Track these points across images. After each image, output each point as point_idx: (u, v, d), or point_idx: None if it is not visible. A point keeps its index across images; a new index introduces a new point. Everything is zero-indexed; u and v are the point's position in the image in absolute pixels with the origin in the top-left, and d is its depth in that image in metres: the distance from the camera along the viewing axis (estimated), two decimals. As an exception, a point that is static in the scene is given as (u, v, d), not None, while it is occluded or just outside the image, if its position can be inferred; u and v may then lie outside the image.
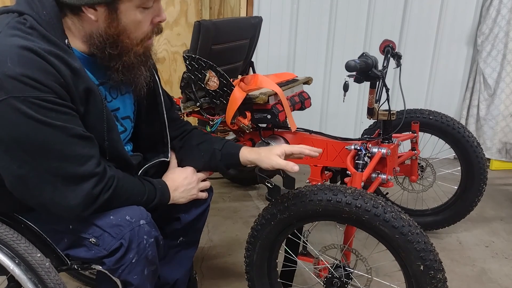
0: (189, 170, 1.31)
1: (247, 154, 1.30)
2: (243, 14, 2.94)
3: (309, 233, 1.51)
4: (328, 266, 1.42)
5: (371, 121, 2.14)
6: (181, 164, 1.36)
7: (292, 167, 1.20)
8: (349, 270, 1.40)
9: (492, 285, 1.91)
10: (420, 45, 3.18)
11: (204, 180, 1.36)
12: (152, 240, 1.08)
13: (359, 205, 1.25)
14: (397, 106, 2.29)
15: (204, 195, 1.34)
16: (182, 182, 1.27)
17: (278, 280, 1.53)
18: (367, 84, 1.85)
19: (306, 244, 1.53)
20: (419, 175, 2.17)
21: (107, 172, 1.05)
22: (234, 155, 1.31)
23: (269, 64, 3.17)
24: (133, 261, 1.05)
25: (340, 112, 3.31)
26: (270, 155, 1.25)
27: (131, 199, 1.11)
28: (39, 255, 1.01)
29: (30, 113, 0.93)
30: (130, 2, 1.02)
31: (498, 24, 3.01)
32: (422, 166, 2.21)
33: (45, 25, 1.00)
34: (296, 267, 1.56)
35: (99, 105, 1.06)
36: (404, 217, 1.25)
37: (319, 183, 1.49)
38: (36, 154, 0.96)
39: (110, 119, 1.10)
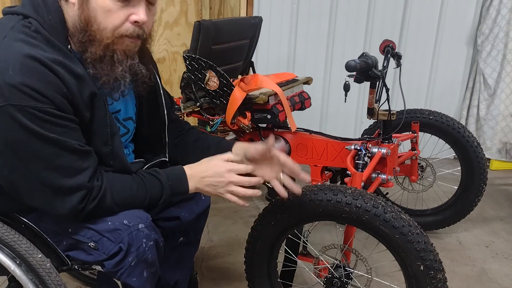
0: (224, 168, 1.15)
1: (239, 144, 1.26)
2: (243, 14, 2.94)
3: (309, 233, 1.51)
4: (328, 266, 1.42)
5: (371, 121, 2.14)
6: (176, 161, 1.32)
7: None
8: (349, 270, 1.40)
9: (492, 285, 1.91)
10: (420, 45, 3.18)
11: (254, 188, 1.17)
12: (152, 243, 1.08)
13: (359, 205, 1.25)
14: (397, 106, 2.29)
15: (239, 202, 1.16)
16: (211, 175, 1.14)
17: (278, 280, 1.53)
18: (367, 84, 1.85)
19: (306, 244, 1.53)
20: (419, 175, 2.17)
21: (97, 185, 1.03)
22: (228, 150, 1.26)
23: (269, 64, 3.17)
24: (132, 264, 1.05)
25: (340, 112, 3.31)
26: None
27: (129, 206, 1.09)
28: (40, 255, 1.01)
29: (25, 122, 0.93)
30: None
31: (498, 24, 3.01)
32: (422, 166, 2.21)
33: (50, 30, 1.00)
34: (296, 267, 1.56)
35: (102, 110, 1.06)
36: (404, 217, 1.25)
37: (319, 183, 1.49)
38: (27, 162, 0.97)
39: (113, 124, 1.10)
